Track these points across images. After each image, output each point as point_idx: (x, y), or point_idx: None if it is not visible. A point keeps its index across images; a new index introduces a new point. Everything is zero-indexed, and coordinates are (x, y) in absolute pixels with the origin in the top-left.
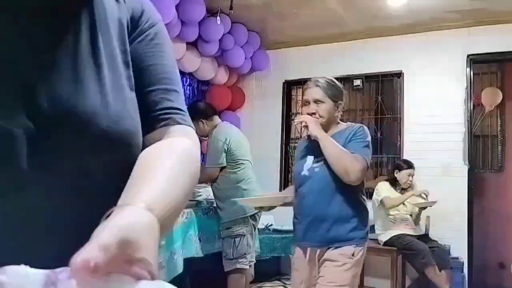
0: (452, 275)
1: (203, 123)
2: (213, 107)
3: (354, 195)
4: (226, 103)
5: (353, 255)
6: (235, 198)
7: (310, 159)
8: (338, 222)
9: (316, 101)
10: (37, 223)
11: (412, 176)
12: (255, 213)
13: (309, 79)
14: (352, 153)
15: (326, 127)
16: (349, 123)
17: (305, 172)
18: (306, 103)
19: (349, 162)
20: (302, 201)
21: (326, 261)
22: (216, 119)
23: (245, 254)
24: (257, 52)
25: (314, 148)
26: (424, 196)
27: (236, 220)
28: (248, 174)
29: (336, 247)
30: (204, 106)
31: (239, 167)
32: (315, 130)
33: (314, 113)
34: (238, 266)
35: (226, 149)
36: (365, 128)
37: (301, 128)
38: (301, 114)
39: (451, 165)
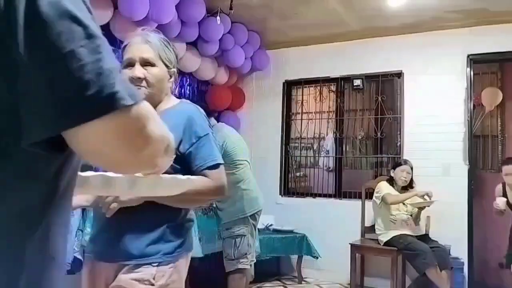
0: (453, 275)
1: None
2: (210, 109)
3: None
4: (226, 103)
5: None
6: (234, 199)
7: None
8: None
9: (145, 63)
10: None
11: (407, 173)
12: (255, 213)
13: (309, 79)
14: (201, 169)
15: (155, 100)
16: (181, 99)
17: None
18: (129, 64)
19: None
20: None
21: None
22: (211, 120)
23: (246, 254)
24: (257, 52)
25: None
26: (428, 198)
27: (236, 220)
28: (247, 174)
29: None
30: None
31: (238, 168)
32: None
33: (140, 79)
34: (240, 266)
35: (223, 151)
36: (202, 111)
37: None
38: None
39: (451, 165)
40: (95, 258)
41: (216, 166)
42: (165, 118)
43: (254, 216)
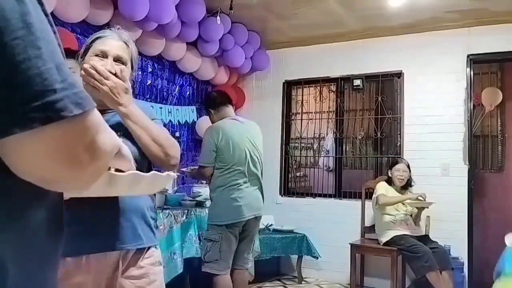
0: (453, 275)
1: (211, 113)
2: (225, 98)
3: None
4: None
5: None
6: (214, 202)
7: None
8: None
9: (118, 60)
10: None
11: (404, 171)
12: (233, 223)
13: (309, 79)
14: None
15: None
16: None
17: None
18: (101, 55)
19: (168, 142)
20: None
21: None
22: (225, 110)
23: (216, 260)
24: (257, 52)
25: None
26: (421, 199)
27: (210, 225)
28: (237, 181)
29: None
30: (213, 96)
31: (226, 172)
32: (125, 100)
33: (115, 75)
34: (208, 270)
35: (216, 148)
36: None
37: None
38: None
39: (451, 165)
40: (91, 251)
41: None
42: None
43: (231, 226)
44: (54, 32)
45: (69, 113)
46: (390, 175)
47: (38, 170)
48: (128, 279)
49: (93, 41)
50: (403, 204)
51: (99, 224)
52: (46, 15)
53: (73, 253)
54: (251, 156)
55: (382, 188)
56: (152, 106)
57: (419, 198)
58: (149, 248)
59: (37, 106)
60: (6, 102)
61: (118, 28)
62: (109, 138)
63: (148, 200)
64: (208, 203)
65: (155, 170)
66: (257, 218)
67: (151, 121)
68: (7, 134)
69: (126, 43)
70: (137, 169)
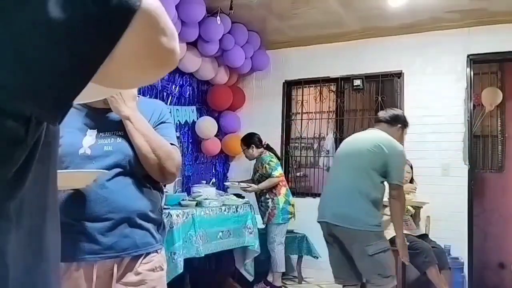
0: (451, 275)
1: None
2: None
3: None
4: (227, 103)
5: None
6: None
7: (92, 132)
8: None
9: None
10: None
11: (408, 172)
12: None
13: (309, 79)
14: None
15: None
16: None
17: (86, 150)
18: None
19: (165, 154)
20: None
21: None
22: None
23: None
24: (257, 52)
25: (98, 119)
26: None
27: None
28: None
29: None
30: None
31: None
32: (130, 107)
33: None
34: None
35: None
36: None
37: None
38: None
39: (451, 165)
40: (80, 258)
41: (174, 145)
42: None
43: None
44: None
45: (135, 4)
46: None
47: (138, 73)
48: (125, 285)
49: None
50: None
51: (90, 230)
52: None
53: (62, 259)
54: None
55: None
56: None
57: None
58: (148, 253)
59: (112, 10)
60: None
61: None
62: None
63: (147, 203)
64: (208, 202)
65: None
66: None
67: (153, 131)
68: (113, 44)
69: None
70: (133, 173)
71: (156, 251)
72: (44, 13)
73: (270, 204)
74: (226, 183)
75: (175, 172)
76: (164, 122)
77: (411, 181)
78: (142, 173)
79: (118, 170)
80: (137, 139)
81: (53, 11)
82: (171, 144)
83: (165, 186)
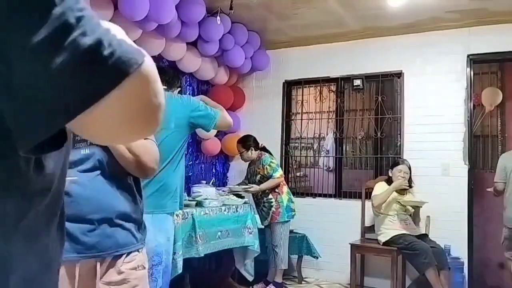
0: (451, 275)
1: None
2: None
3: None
4: (227, 103)
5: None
6: None
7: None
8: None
9: None
10: None
11: (405, 173)
12: None
13: (309, 79)
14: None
15: None
16: None
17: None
18: None
19: (141, 149)
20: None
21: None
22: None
23: None
24: (257, 52)
25: None
26: (406, 187)
27: None
28: None
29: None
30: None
31: None
32: None
33: None
34: None
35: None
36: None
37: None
38: None
39: (451, 165)
40: (79, 256)
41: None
42: None
43: None
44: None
45: (139, 61)
46: (390, 174)
47: (118, 131)
48: (107, 285)
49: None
50: (400, 204)
51: (72, 230)
52: None
53: None
54: None
55: (379, 189)
56: None
57: (403, 186)
58: (130, 252)
59: (105, 69)
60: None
61: None
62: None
63: (128, 204)
64: (207, 202)
65: None
66: None
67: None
68: (104, 93)
69: None
70: (113, 174)
71: (138, 250)
72: (39, 54)
73: (274, 203)
74: (229, 187)
75: (154, 166)
76: None
77: (410, 181)
78: (123, 173)
79: (98, 172)
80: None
81: (48, 55)
82: (146, 139)
83: None
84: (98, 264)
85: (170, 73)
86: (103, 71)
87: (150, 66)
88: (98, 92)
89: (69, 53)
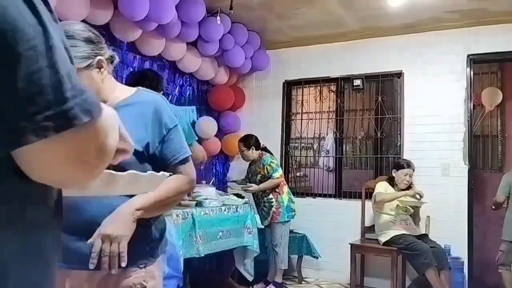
0: (452, 275)
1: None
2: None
3: None
4: (228, 103)
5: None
6: None
7: None
8: None
9: None
10: None
11: (410, 176)
12: None
13: (309, 79)
14: (174, 163)
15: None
16: (137, 87)
17: None
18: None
19: (180, 187)
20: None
21: None
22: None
23: None
24: (257, 52)
25: None
26: (418, 197)
27: None
28: None
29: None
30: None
31: None
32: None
33: None
34: None
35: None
36: (165, 98)
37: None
38: None
39: (451, 165)
40: (72, 267)
41: (188, 159)
42: (124, 115)
43: None
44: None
45: (80, 121)
46: (394, 175)
47: (53, 174)
48: None
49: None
50: (400, 204)
51: (66, 241)
52: (50, 11)
53: None
54: None
55: (381, 188)
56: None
57: (417, 195)
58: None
59: (50, 115)
60: (21, 112)
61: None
62: (115, 138)
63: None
64: (208, 202)
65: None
66: None
67: (157, 196)
68: (26, 143)
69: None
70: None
71: (139, 266)
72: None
73: (274, 203)
74: (228, 183)
75: (190, 188)
76: (170, 130)
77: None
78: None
79: None
80: (158, 211)
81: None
82: (184, 159)
83: None
84: (89, 277)
85: (153, 78)
86: (50, 117)
87: (103, 123)
88: (42, 134)
89: None
